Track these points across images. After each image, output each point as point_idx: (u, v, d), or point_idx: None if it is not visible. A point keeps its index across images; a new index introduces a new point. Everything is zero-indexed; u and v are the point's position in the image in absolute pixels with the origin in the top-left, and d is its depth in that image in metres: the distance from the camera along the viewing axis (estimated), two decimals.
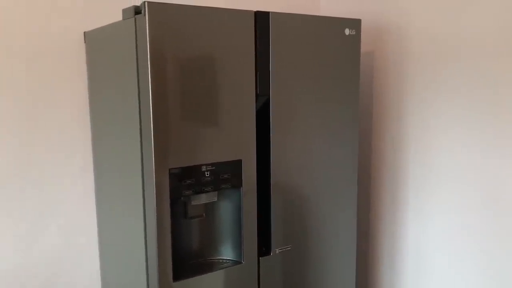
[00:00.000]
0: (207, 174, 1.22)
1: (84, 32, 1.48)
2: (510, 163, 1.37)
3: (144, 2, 1.09)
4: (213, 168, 1.23)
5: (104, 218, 1.51)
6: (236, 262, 1.33)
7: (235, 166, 1.26)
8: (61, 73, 1.47)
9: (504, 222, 1.40)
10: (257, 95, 1.28)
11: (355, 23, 1.43)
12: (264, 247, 1.37)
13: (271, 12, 1.27)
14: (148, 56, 1.09)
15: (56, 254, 1.52)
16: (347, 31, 1.41)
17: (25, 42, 1.41)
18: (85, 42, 1.49)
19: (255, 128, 1.28)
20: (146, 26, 1.09)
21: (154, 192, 1.14)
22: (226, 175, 1.25)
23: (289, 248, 1.41)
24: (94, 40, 1.43)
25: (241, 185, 1.28)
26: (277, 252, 1.39)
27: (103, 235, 1.54)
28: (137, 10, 1.13)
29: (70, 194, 1.53)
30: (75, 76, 1.49)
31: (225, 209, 1.34)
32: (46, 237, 1.50)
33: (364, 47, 1.78)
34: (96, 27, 1.44)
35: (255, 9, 1.26)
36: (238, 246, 1.32)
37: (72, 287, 1.56)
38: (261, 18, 1.26)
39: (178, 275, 1.21)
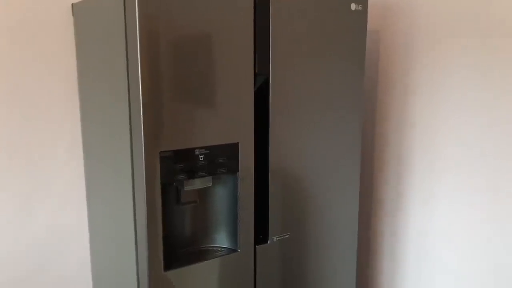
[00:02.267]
0: (201, 158, 1.14)
1: (72, 4, 1.39)
2: None
3: None
4: (208, 151, 1.15)
5: (94, 203, 1.44)
6: (232, 250, 1.26)
7: (231, 150, 1.19)
8: (48, 48, 1.38)
9: (510, 211, 1.34)
10: (255, 74, 1.19)
11: None
12: (261, 235, 1.31)
13: None
14: (138, 33, 1.00)
15: (45, 240, 1.46)
16: (353, 6, 1.32)
17: (10, 14, 1.31)
18: (72, 14, 1.39)
19: (253, 110, 1.20)
20: (135, 0, 0.99)
21: (144, 176, 1.07)
22: (222, 159, 1.17)
23: (287, 236, 1.35)
24: (82, 13, 1.33)
25: (238, 170, 1.20)
26: (275, 240, 1.32)
27: (93, 221, 1.47)
28: None
29: (59, 177, 1.46)
30: (63, 50, 1.40)
31: (220, 195, 1.27)
32: (34, 222, 1.44)
33: (370, 24, 1.69)
34: None
35: None
36: (234, 233, 1.26)
37: (61, 274, 1.51)
38: None
39: (169, 264, 1.15)
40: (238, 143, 1.19)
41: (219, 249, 1.28)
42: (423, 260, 1.62)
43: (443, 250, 1.55)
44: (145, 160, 1.06)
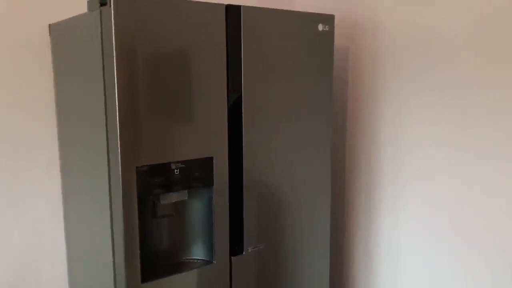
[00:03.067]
0: (177, 172, 1.18)
1: (49, 25, 1.42)
2: (482, 159, 1.38)
3: None
4: (183, 166, 1.19)
5: (71, 218, 1.46)
6: (208, 262, 1.30)
7: (206, 164, 1.23)
8: (25, 67, 1.41)
9: (474, 219, 1.41)
10: (228, 91, 1.25)
11: (329, 19, 1.41)
12: (236, 246, 1.34)
13: (243, 5, 1.24)
14: (114, 50, 1.05)
15: (21, 255, 1.46)
16: (320, 27, 1.40)
17: None
18: (49, 34, 1.43)
19: (227, 125, 1.25)
20: (111, 19, 1.04)
21: (121, 190, 1.10)
22: (197, 173, 1.22)
23: (262, 246, 1.39)
24: (59, 33, 1.37)
25: (213, 184, 1.25)
26: (250, 251, 1.36)
27: (70, 236, 1.49)
28: (102, 2, 1.08)
29: (36, 192, 1.47)
30: (40, 69, 1.43)
31: (196, 208, 1.30)
32: (10, 238, 1.44)
33: (338, 42, 1.77)
34: (61, 19, 1.38)
35: (226, 3, 1.23)
36: (210, 245, 1.29)
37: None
38: (233, 12, 1.22)
39: (147, 276, 1.18)
40: (212, 157, 1.23)
41: (196, 261, 1.31)
42: (395, 266, 1.68)
43: (412, 255, 1.61)
44: (121, 175, 1.09)
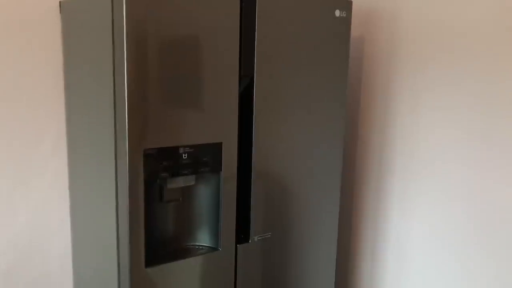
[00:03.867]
0: (185, 156, 1.16)
1: (60, 2, 1.40)
2: (498, 157, 1.34)
3: None
4: (192, 150, 1.17)
5: (77, 200, 1.45)
6: (213, 249, 1.28)
7: (215, 149, 1.21)
8: (35, 44, 1.38)
9: (486, 217, 1.38)
10: (240, 76, 1.21)
11: (346, 5, 1.37)
12: (242, 234, 1.33)
13: None
14: (124, 32, 1.02)
15: (26, 236, 1.46)
16: (337, 13, 1.35)
17: None
18: (60, 12, 1.40)
19: (237, 110, 1.22)
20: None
21: (127, 173, 1.08)
22: (205, 158, 1.19)
23: (269, 235, 1.37)
24: (69, 11, 1.34)
25: (221, 169, 1.22)
26: (256, 239, 1.34)
27: (76, 218, 1.48)
28: None
29: (42, 173, 1.45)
30: (49, 47, 1.41)
31: (203, 194, 1.28)
32: (16, 218, 1.43)
33: (354, 31, 1.73)
34: None
35: None
36: (216, 232, 1.28)
37: (42, 269, 1.50)
38: None
39: (151, 261, 1.16)
40: (221, 142, 1.21)
41: (201, 247, 1.29)
42: (402, 260, 1.66)
43: (421, 252, 1.59)
44: (128, 157, 1.07)
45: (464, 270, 1.46)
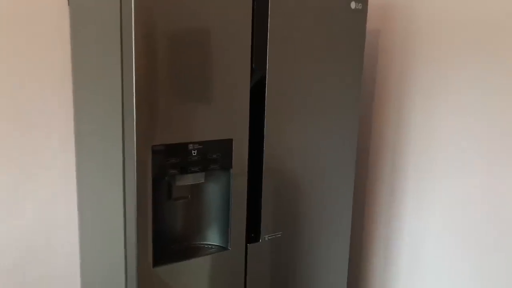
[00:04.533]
0: (194, 153, 1.12)
1: None
2: None
3: None
4: (201, 147, 1.13)
5: (84, 196, 1.42)
6: (223, 248, 1.24)
7: (225, 146, 1.17)
8: (43, 38, 1.36)
9: (505, 218, 1.32)
10: (252, 70, 1.17)
11: None
12: (252, 234, 1.29)
13: None
14: (133, 26, 0.98)
15: (33, 232, 1.44)
16: (353, 5, 1.30)
17: (4, 3, 1.29)
18: (68, 4, 1.37)
19: (248, 106, 1.18)
20: None
21: (135, 169, 1.05)
22: (215, 155, 1.15)
23: (280, 235, 1.33)
24: (77, 4, 1.31)
25: (231, 167, 1.18)
26: (267, 239, 1.31)
27: (83, 215, 1.45)
28: None
29: (50, 169, 1.43)
30: (57, 41, 1.38)
31: (212, 192, 1.25)
32: (23, 213, 1.41)
33: (369, 24, 1.67)
34: None
35: None
36: (225, 231, 1.24)
37: (49, 266, 1.49)
38: None
39: (159, 260, 1.13)
40: (232, 139, 1.17)
41: (210, 246, 1.26)
42: (415, 260, 1.61)
43: (435, 252, 1.54)
44: (136, 153, 1.04)
45: (478, 270, 1.41)
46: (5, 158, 1.36)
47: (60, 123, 1.43)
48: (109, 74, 1.13)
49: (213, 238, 1.27)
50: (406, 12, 1.54)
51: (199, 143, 1.12)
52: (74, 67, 1.39)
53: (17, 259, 1.43)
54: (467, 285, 1.45)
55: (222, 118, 1.14)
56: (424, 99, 1.52)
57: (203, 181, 1.19)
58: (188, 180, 1.16)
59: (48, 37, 1.37)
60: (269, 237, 1.31)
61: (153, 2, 1.00)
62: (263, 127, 1.23)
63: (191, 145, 1.11)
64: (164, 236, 1.21)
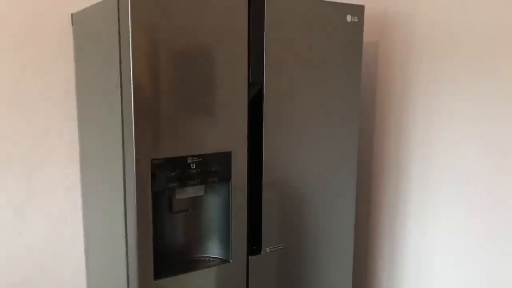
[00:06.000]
0: (193, 166, 1.14)
1: (72, 14, 1.41)
2: None
3: None
4: (200, 160, 1.14)
5: (89, 211, 1.44)
6: (224, 261, 1.25)
7: (224, 159, 1.18)
8: (48, 56, 1.40)
9: (508, 222, 1.31)
10: (249, 83, 1.19)
11: (358, 10, 1.34)
12: (254, 246, 1.29)
13: None
14: (130, 40, 1.01)
15: (40, 247, 1.46)
16: (349, 18, 1.32)
17: (11, 23, 1.34)
18: (72, 24, 1.41)
19: (246, 119, 1.20)
20: (128, 7, 1.01)
21: (135, 183, 1.07)
22: (214, 168, 1.17)
23: (281, 247, 1.33)
24: (80, 22, 1.35)
25: (230, 179, 1.20)
26: (268, 251, 1.31)
27: (88, 229, 1.47)
28: None
29: (56, 185, 1.46)
30: (62, 59, 1.42)
31: (213, 204, 1.26)
32: (30, 229, 1.44)
33: (367, 36, 1.69)
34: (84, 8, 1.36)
35: None
36: (226, 244, 1.25)
37: (57, 281, 1.50)
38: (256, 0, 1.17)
39: (160, 273, 1.14)
40: (231, 152, 1.18)
41: (211, 259, 1.26)
42: (422, 274, 1.59)
43: (441, 263, 1.52)
44: (136, 167, 1.06)
45: (484, 276, 1.39)
46: (11, 174, 1.39)
47: (65, 139, 1.46)
48: (109, 91, 1.16)
49: (214, 250, 1.27)
50: (404, 23, 1.56)
51: (198, 156, 1.14)
52: (77, 82, 1.43)
53: (26, 273, 1.45)
54: (475, 283, 1.43)
55: (220, 131, 1.16)
56: (424, 107, 1.52)
57: (202, 193, 1.20)
58: (188, 193, 1.17)
59: (53, 55, 1.41)
60: (271, 249, 1.31)
61: (150, 19, 1.03)
62: (262, 139, 1.24)
63: (190, 158, 1.13)
64: (165, 249, 1.22)
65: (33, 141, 1.41)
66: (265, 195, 1.27)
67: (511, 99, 1.28)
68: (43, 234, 1.46)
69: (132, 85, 1.03)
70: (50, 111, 1.42)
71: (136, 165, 1.06)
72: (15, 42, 1.35)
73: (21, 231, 1.42)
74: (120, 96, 1.09)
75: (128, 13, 1.01)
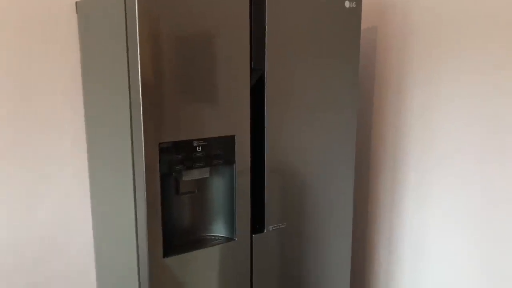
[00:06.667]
0: (199, 149, 1.19)
1: (76, 2, 1.44)
2: None
3: None
4: (205, 143, 1.19)
5: (97, 194, 1.49)
6: (229, 239, 1.31)
7: (228, 142, 1.23)
8: (53, 45, 1.43)
9: (504, 207, 1.37)
10: (251, 69, 1.23)
11: None
12: (257, 225, 1.35)
13: None
14: (137, 29, 1.05)
15: (49, 229, 1.51)
16: (347, 4, 1.36)
17: (15, 12, 1.36)
18: (76, 12, 1.44)
19: (249, 103, 1.24)
20: None
21: (144, 167, 1.12)
22: (219, 151, 1.22)
23: (284, 226, 1.39)
24: (85, 10, 1.38)
25: (234, 162, 1.25)
26: (271, 229, 1.37)
27: (96, 212, 1.53)
28: None
29: (63, 169, 1.51)
30: (67, 47, 1.45)
31: (217, 186, 1.31)
32: (39, 212, 1.49)
33: (366, 22, 1.72)
34: None
35: None
36: (231, 223, 1.31)
37: (65, 261, 1.56)
38: None
39: (168, 251, 1.20)
40: (234, 135, 1.23)
41: (217, 237, 1.32)
42: (419, 251, 1.66)
43: (438, 241, 1.58)
44: (145, 151, 1.11)
45: (481, 261, 1.45)
46: (19, 160, 1.43)
47: (72, 124, 1.50)
48: (116, 77, 1.20)
49: (219, 229, 1.33)
50: (403, 9, 1.59)
51: (204, 139, 1.19)
52: (83, 70, 1.46)
53: (35, 256, 1.50)
54: (471, 274, 1.50)
55: (224, 115, 1.20)
56: (423, 93, 1.56)
57: (208, 175, 1.25)
58: (194, 175, 1.22)
59: (58, 43, 1.44)
60: (274, 228, 1.38)
61: (155, 7, 1.06)
62: (264, 123, 1.29)
63: (195, 141, 1.18)
64: (173, 228, 1.28)
65: (40, 128, 1.45)
66: (267, 176, 1.32)
67: (507, 88, 1.32)
68: (52, 218, 1.51)
69: (139, 73, 1.07)
70: (56, 99, 1.46)
71: (145, 149, 1.10)
72: (20, 31, 1.37)
73: (30, 215, 1.47)
74: (127, 84, 1.13)
75: (135, 2, 1.04)
